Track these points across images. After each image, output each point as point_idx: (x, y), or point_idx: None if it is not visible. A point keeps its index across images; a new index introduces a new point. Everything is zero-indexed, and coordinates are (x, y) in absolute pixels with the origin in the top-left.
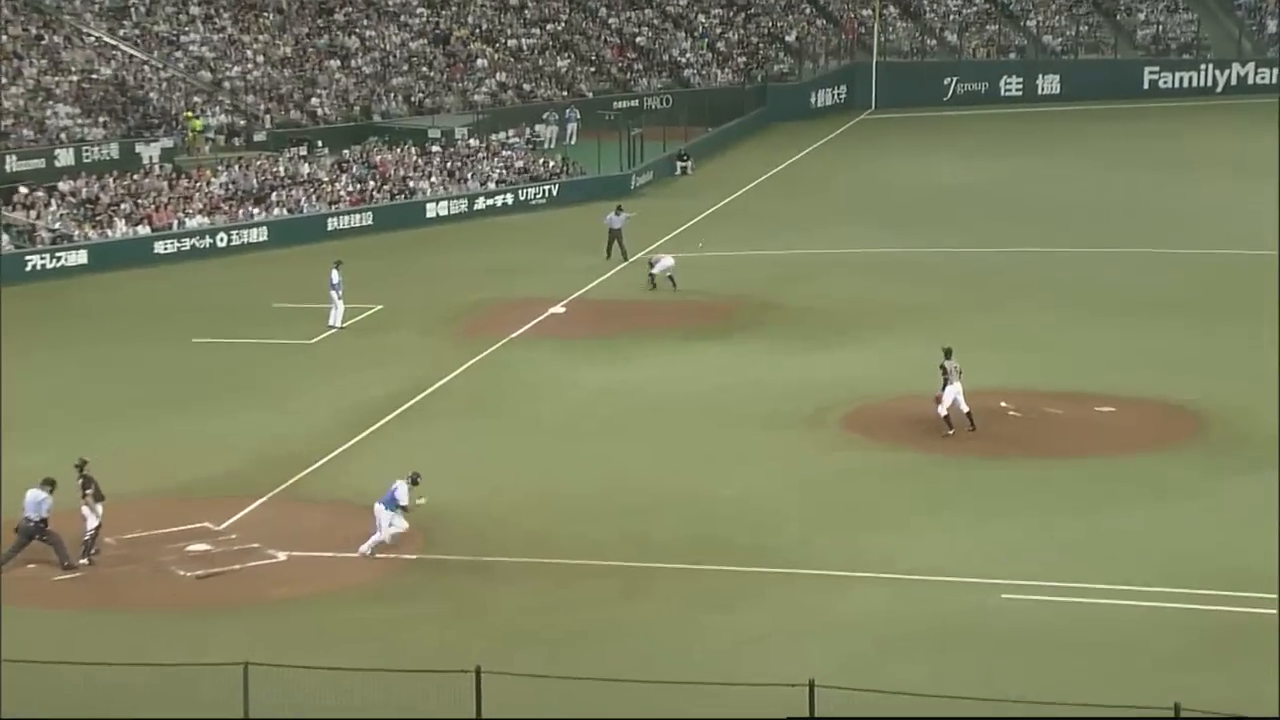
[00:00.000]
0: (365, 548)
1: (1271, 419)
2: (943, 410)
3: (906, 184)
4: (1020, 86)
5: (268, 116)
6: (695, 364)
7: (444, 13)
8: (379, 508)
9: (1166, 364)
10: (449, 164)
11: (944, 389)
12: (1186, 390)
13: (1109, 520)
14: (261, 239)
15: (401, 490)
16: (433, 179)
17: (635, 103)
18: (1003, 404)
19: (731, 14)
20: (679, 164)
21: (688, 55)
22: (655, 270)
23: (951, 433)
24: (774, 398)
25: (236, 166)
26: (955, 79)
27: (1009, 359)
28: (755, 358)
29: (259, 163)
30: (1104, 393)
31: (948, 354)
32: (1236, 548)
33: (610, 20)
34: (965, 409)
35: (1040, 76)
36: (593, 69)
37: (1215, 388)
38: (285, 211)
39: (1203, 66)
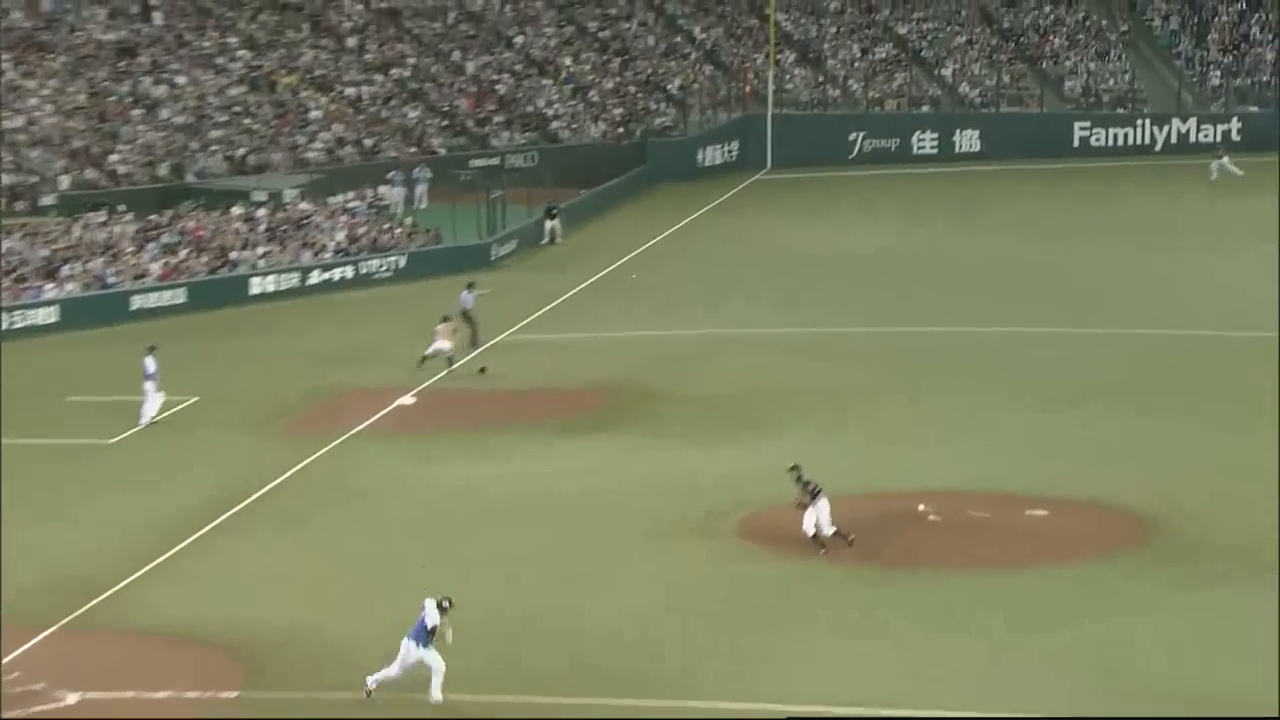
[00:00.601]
0: (371, 681)
1: (1229, 526)
2: (809, 530)
3: (808, 254)
4: (936, 143)
5: (59, 176)
6: (568, 461)
7: (269, 55)
8: (408, 644)
9: (1107, 459)
10: (277, 231)
11: (810, 506)
12: (1130, 490)
13: (1038, 639)
14: (51, 320)
15: (431, 611)
16: (258, 249)
17: (495, 161)
18: (920, 507)
19: (605, 59)
20: (547, 224)
21: (555, 106)
22: (429, 350)
23: (825, 551)
24: (659, 500)
25: (19, 235)
26: (862, 134)
27: (927, 454)
28: (637, 453)
29: (48, 230)
30: (1036, 493)
31: (798, 475)
32: (1185, 672)
33: (465, 65)
34: (830, 530)
35: (958, 132)
36: (445, 121)
37: (1162, 487)
38: (80, 288)
39: (1139, 122)
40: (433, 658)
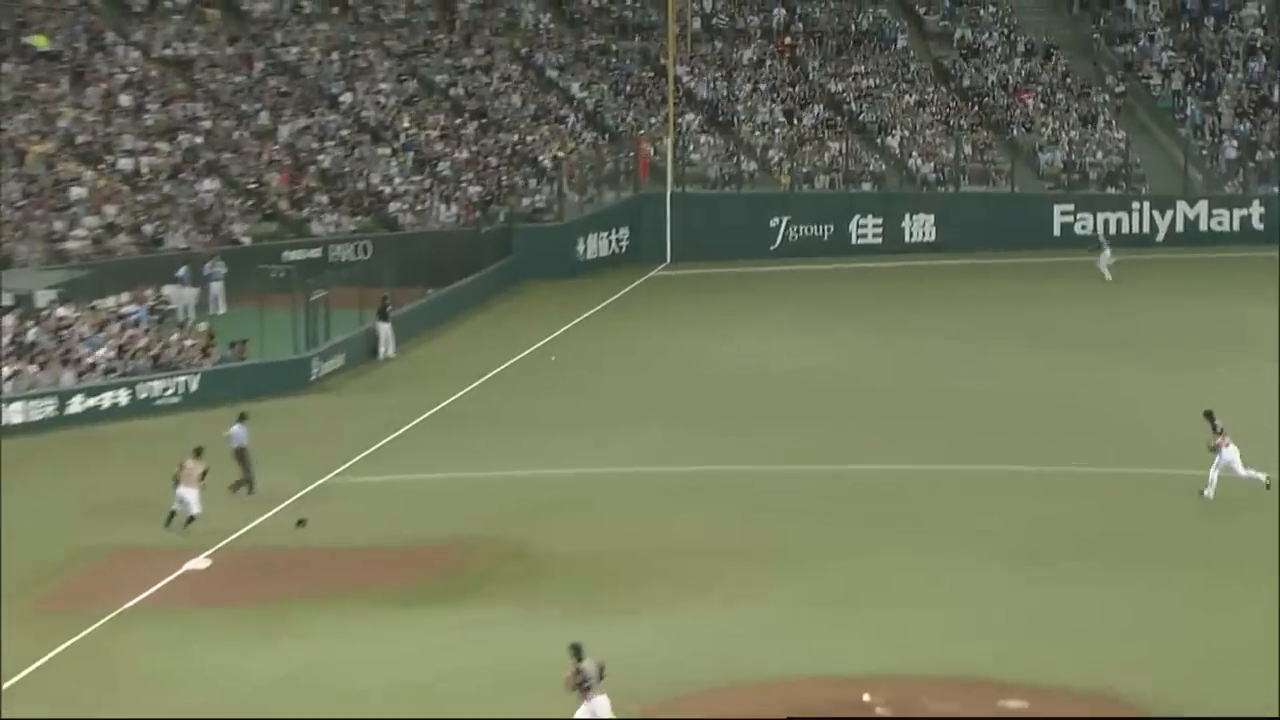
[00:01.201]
0: None
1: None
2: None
3: (716, 371)
4: (879, 230)
5: None
6: (405, 642)
7: (15, 117)
8: None
9: (1094, 633)
10: (27, 345)
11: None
12: (1126, 673)
13: None
14: None
15: None
16: (3, 368)
17: (316, 253)
18: (866, 697)
19: (458, 122)
20: (381, 329)
21: (395, 182)
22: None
23: None
24: (527, 693)
25: None
26: (786, 219)
27: (870, 627)
28: (498, 630)
29: None
30: (1009, 678)
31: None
32: None
33: (278, 129)
34: None
35: (908, 217)
36: (251, 202)
37: (1163, 672)
38: None
39: (1136, 205)
40: None
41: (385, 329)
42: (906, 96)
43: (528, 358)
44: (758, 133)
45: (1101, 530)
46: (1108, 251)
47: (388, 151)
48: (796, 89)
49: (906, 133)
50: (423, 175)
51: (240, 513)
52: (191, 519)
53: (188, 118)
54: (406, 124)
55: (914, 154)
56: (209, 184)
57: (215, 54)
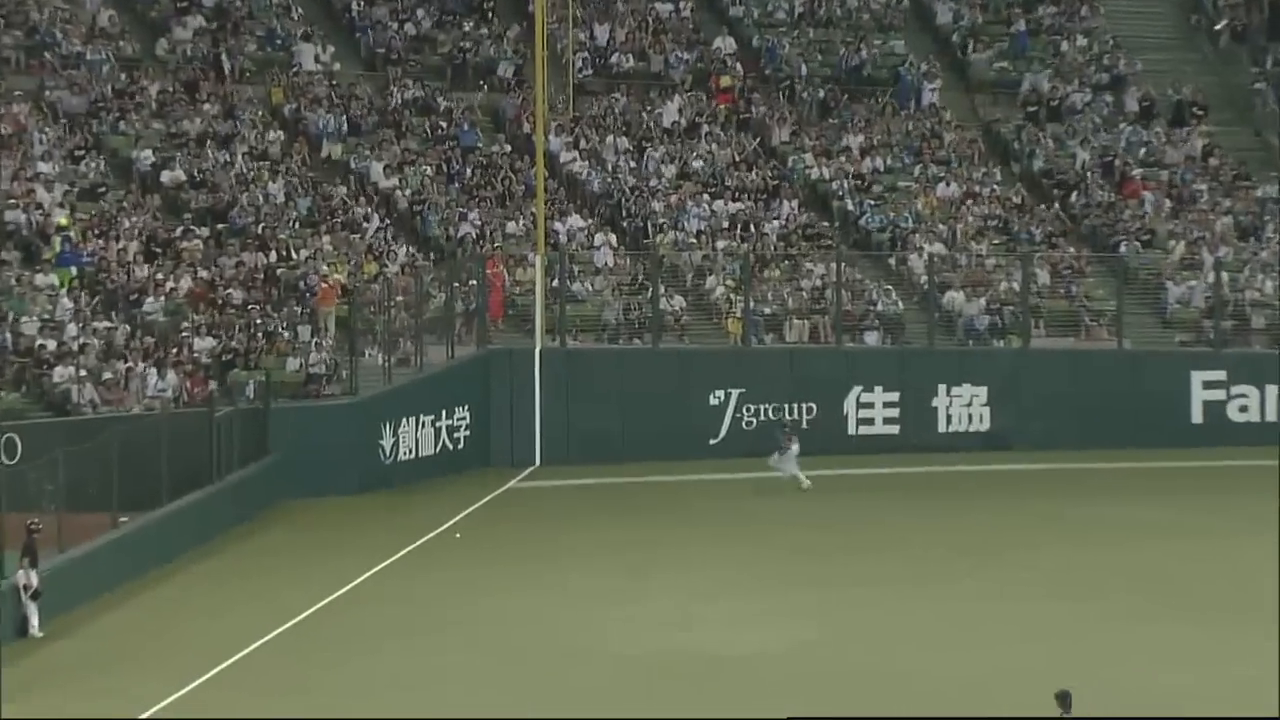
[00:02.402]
0: None
1: None
2: None
3: (617, 659)
4: (895, 412)
5: None
6: None
7: None
8: None
9: None
10: None
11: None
12: None
13: None
14: None
15: None
16: None
17: None
18: None
19: (178, 232)
20: (23, 592)
21: (66, 331)
22: None
23: None
24: None
25: None
26: (735, 394)
27: None
28: None
29: None
30: None
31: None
32: None
33: None
34: None
35: (942, 390)
36: None
37: None
38: None
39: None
40: None
41: (34, 578)
42: (939, 185)
43: (286, 634)
44: (686, 244)
45: None
46: (795, 447)
47: (50, 281)
48: (752, 172)
49: (939, 247)
50: (114, 318)
51: None
52: None
53: None
54: (63, 221)
55: (953, 284)
56: None
57: None
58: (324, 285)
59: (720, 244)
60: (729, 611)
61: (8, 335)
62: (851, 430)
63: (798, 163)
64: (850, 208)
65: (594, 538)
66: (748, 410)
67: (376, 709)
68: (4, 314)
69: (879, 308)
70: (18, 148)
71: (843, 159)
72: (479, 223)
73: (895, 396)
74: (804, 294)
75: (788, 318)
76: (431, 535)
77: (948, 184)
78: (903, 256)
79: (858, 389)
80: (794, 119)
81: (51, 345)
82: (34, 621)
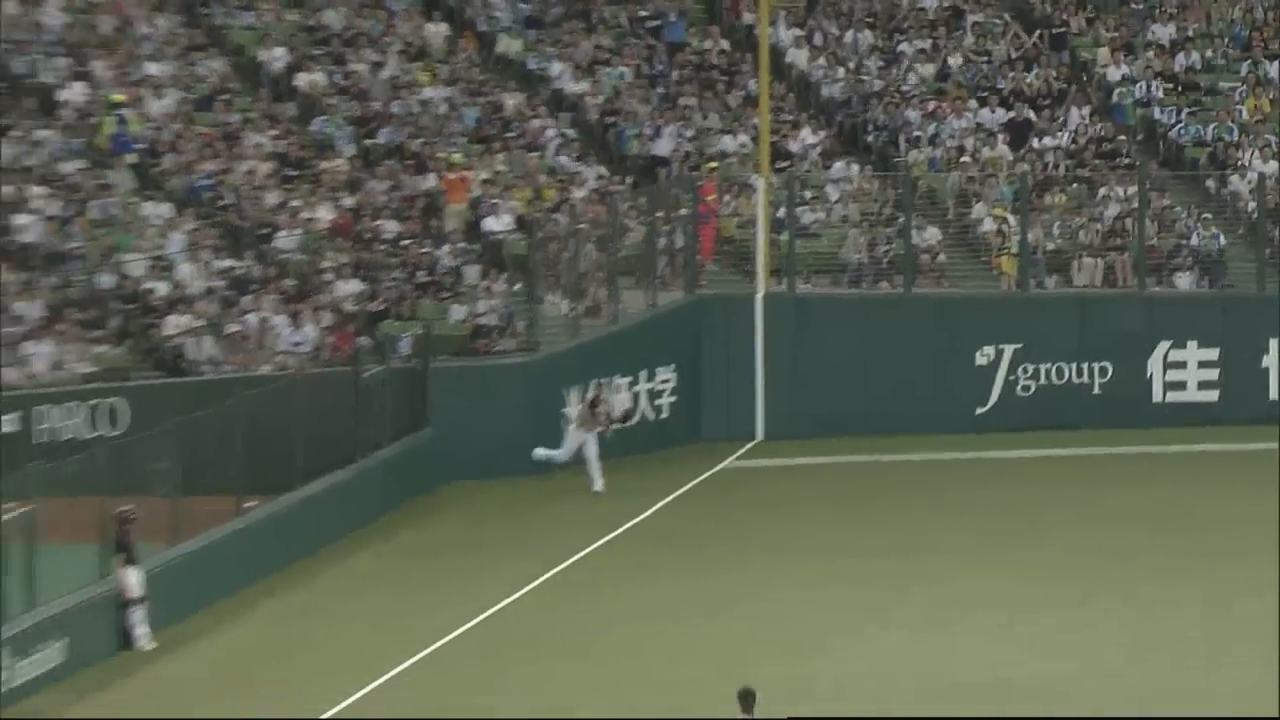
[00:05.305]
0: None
1: None
2: None
3: (884, 699)
4: (1214, 374)
5: None
6: None
7: None
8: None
9: None
10: None
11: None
12: None
13: None
14: None
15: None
16: None
17: (13, 423)
18: None
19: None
20: (124, 574)
21: (179, 273)
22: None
23: None
24: None
25: None
26: (1010, 351)
27: None
28: None
29: None
30: None
31: None
32: None
33: None
34: None
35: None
36: None
37: None
38: None
39: None
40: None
41: (133, 581)
42: (1272, 87)
43: (453, 644)
44: (945, 164)
45: None
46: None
47: (161, 211)
48: (1032, 73)
49: (1272, 166)
50: (238, 257)
51: None
52: None
53: None
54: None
55: None
56: None
57: None
58: (448, 176)
59: (983, 151)
60: (1032, 644)
61: (113, 276)
62: (1157, 398)
63: (1091, 60)
64: (1158, 116)
65: (831, 534)
66: (1024, 372)
67: None
68: (108, 252)
69: (1194, 242)
70: (122, 44)
71: (1149, 54)
72: (687, 138)
73: (1214, 355)
74: (1097, 226)
75: (1076, 255)
76: (633, 524)
77: None
78: (1224, 178)
79: (1165, 345)
80: (1088, 4)
81: (162, 289)
82: (139, 631)
